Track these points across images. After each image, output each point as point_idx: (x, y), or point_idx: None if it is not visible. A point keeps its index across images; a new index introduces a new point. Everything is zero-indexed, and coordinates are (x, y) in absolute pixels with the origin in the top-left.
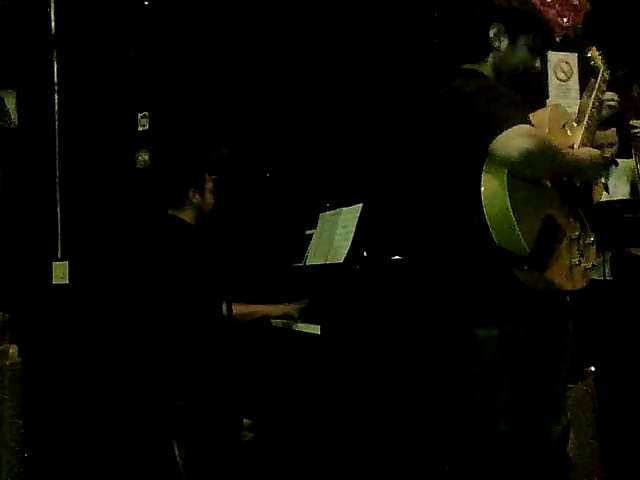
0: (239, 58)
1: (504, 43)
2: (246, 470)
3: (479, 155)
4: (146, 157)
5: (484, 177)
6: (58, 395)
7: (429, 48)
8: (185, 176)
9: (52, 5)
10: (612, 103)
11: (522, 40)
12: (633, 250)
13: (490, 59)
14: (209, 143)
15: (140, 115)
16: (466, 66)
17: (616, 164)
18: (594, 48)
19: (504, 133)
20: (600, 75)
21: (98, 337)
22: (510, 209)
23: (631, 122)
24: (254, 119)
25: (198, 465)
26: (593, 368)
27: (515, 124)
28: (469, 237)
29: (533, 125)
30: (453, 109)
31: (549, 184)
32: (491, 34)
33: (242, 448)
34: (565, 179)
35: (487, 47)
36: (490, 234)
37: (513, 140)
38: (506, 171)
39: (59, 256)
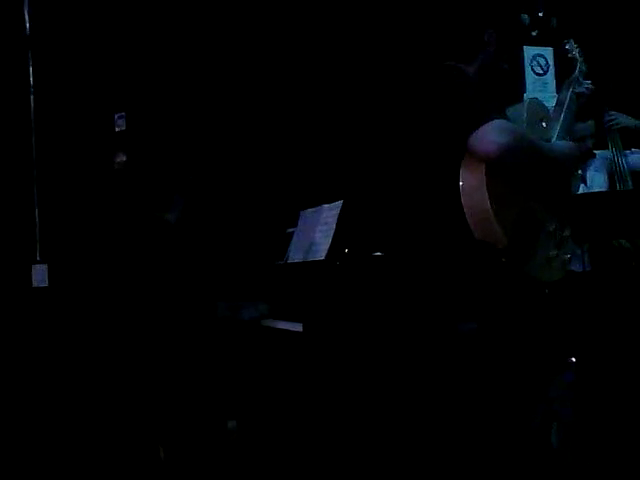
0: (218, 55)
1: (493, 48)
2: (230, 470)
3: (457, 150)
4: (123, 158)
5: (462, 172)
6: (37, 398)
7: (409, 45)
8: (169, 177)
9: (26, 5)
10: (587, 87)
11: (507, 45)
12: None
13: (478, 61)
14: (188, 141)
15: (117, 116)
16: (448, 63)
17: (594, 156)
18: (572, 40)
19: (481, 128)
20: (577, 67)
21: (79, 340)
22: (488, 203)
23: (608, 113)
24: (235, 117)
25: (183, 465)
26: (574, 359)
27: (492, 119)
28: (448, 231)
29: (510, 120)
30: (430, 105)
31: (526, 177)
32: (485, 38)
33: (227, 447)
34: (542, 172)
35: (477, 49)
36: (469, 228)
37: (490, 135)
38: (484, 166)
39: (38, 258)
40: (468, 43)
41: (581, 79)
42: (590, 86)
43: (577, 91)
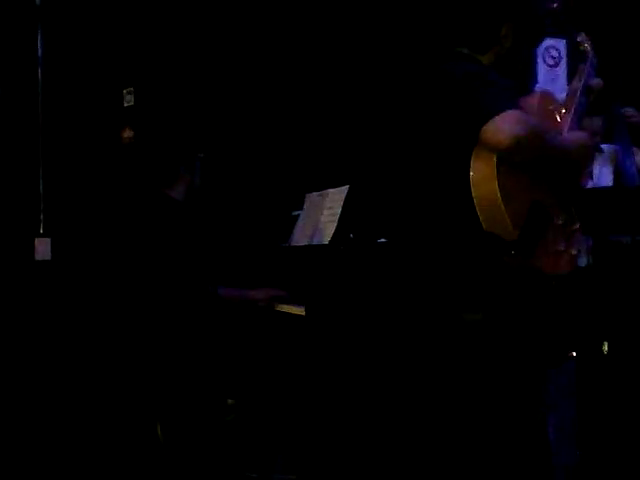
0: (227, 32)
1: (509, 42)
2: (228, 449)
3: (469, 140)
4: (131, 133)
5: (473, 162)
6: (38, 373)
7: (419, 30)
8: (177, 154)
9: None
10: (597, 83)
11: (524, 39)
12: None
13: (493, 52)
14: (196, 120)
15: (125, 91)
16: (461, 50)
17: (601, 151)
18: (584, 33)
19: (494, 119)
20: (588, 60)
21: (81, 314)
22: (499, 194)
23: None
24: (242, 97)
25: (181, 445)
26: (574, 353)
27: (505, 110)
28: (457, 221)
29: (523, 111)
30: (443, 93)
31: (538, 169)
32: (503, 32)
33: (224, 428)
34: (553, 164)
35: (494, 42)
36: (478, 219)
37: (503, 126)
38: (495, 157)
39: (41, 232)
40: (484, 35)
41: (592, 72)
42: (600, 82)
43: (588, 85)
